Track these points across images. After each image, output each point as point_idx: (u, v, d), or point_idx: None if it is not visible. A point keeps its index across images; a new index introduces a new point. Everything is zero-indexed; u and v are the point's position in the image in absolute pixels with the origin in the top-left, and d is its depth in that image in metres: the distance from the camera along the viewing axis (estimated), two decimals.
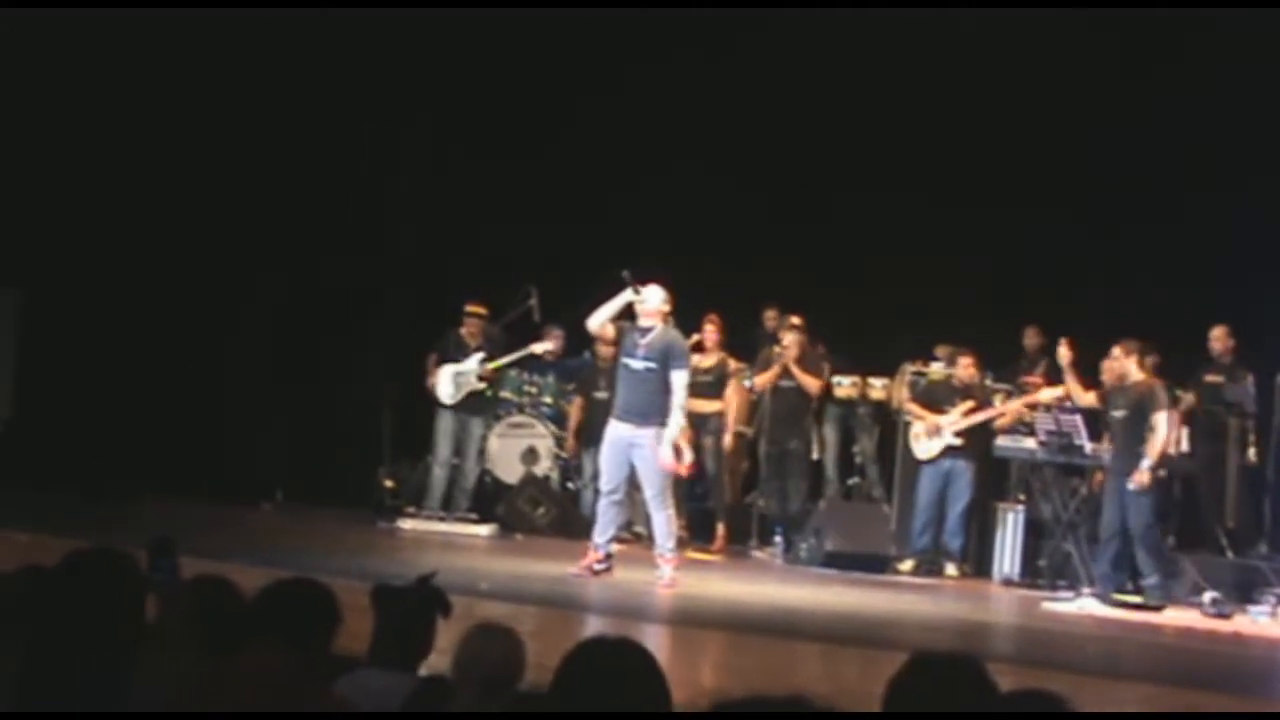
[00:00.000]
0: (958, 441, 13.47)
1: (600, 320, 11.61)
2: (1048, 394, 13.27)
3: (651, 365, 11.35)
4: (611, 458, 11.51)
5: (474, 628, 4.58)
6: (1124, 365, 12.37)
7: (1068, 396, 13.21)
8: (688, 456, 11.60)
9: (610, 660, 3.38)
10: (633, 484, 11.67)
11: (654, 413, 11.32)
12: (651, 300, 11.44)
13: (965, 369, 13.64)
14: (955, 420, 13.46)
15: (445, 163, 15.75)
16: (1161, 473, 12.61)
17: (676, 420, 11.37)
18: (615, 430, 11.51)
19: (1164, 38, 13.95)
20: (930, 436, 13.60)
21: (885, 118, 14.82)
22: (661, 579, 11.30)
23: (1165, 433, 12.20)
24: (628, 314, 11.57)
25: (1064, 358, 12.63)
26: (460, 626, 4.70)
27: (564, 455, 15.11)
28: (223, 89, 14.63)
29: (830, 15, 14.56)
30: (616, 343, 11.78)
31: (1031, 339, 14.41)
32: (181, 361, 14.73)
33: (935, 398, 13.72)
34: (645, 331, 11.44)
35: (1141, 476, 12.10)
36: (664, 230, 14.52)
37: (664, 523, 11.43)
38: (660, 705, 3.34)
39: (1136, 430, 12.24)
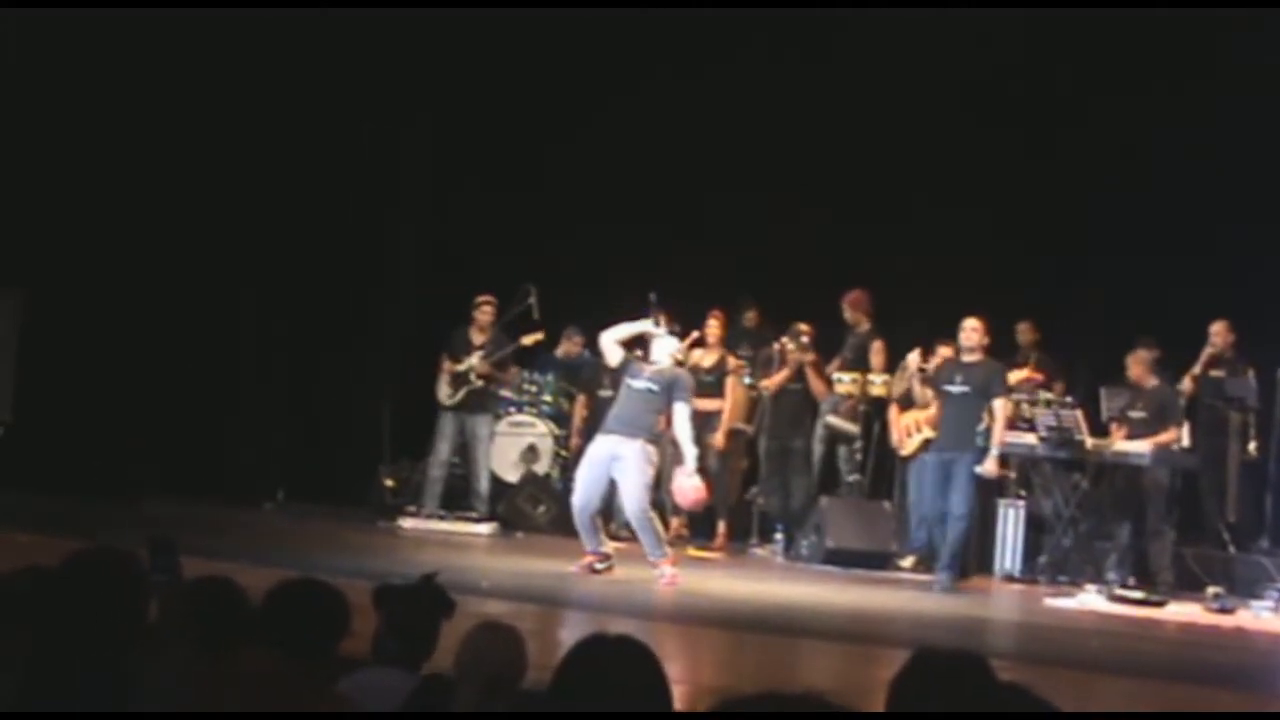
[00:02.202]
0: (933, 435, 13.44)
1: (613, 338, 11.68)
2: (1013, 376, 13.26)
3: (654, 388, 11.41)
4: (589, 472, 11.48)
5: (476, 626, 4.57)
6: (980, 340, 12.29)
7: (1032, 379, 13.26)
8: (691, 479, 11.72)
9: (611, 658, 3.37)
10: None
11: (643, 428, 11.36)
12: (666, 346, 11.56)
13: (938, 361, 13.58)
14: (930, 414, 13.44)
15: (446, 163, 15.74)
16: (1010, 474, 12.71)
17: (691, 451, 11.49)
18: (600, 445, 11.52)
19: (1164, 35, 13.94)
20: (909, 434, 13.60)
21: (888, 115, 14.82)
22: (662, 576, 11.29)
23: (1005, 417, 12.26)
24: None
25: (912, 363, 12.85)
26: (461, 625, 4.69)
27: (565, 453, 15.10)
28: (225, 91, 14.62)
29: (829, 16, 14.56)
30: (617, 369, 11.80)
31: (1024, 334, 14.41)
32: (183, 362, 14.72)
33: (915, 395, 13.70)
34: (653, 363, 11.52)
35: (990, 465, 12.11)
36: (666, 230, 14.52)
37: (650, 537, 11.38)
38: (661, 704, 3.33)
39: (973, 409, 12.23)
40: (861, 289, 14.25)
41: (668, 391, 11.39)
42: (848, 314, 14.36)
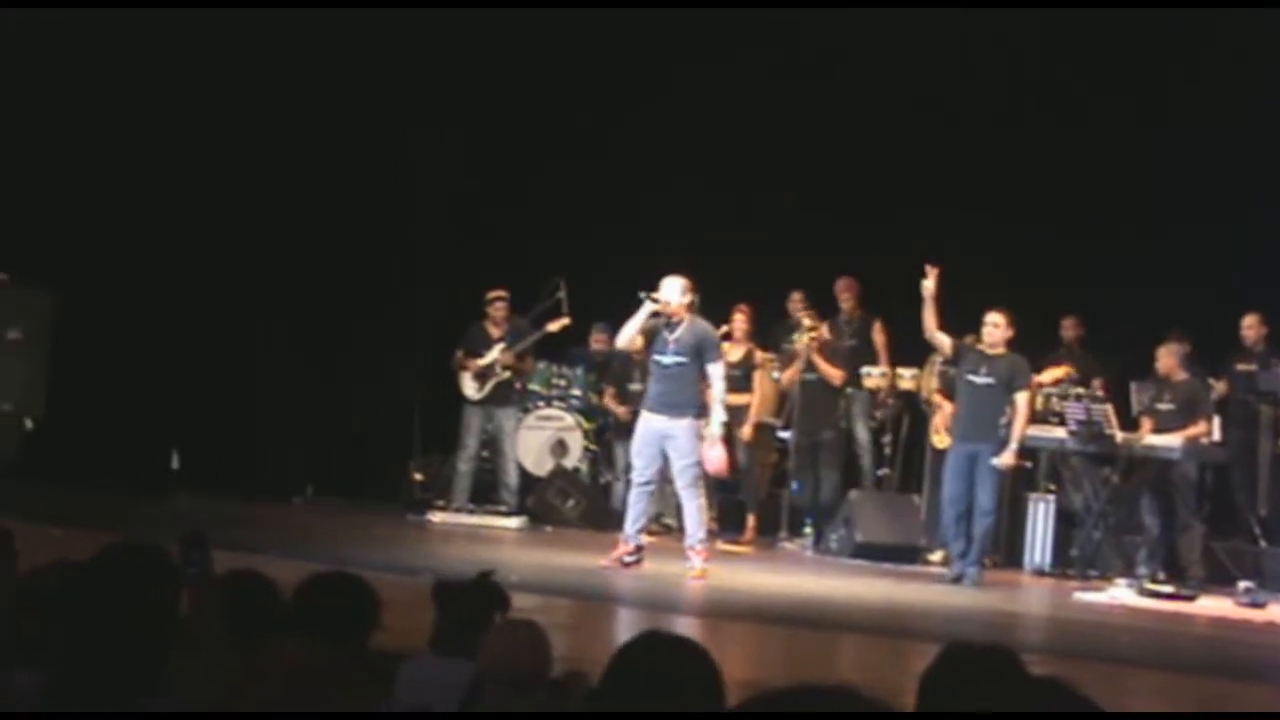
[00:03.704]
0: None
1: (629, 335, 11.81)
2: (1048, 375, 13.20)
3: (682, 360, 11.38)
4: (644, 449, 11.53)
5: (498, 625, 4.59)
6: (1004, 334, 12.17)
7: (1067, 378, 13.19)
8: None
9: (666, 658, 3.27)
10: (663, 476, 11.70)
11: (687, 404, 11.36)
12: (672, 295, 11.46)
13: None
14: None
15: (475, 159, 15.74)
16: (1028, 464, 12.59)
17: (719, 415, 11.46)
18: (648, 421, 11.53)
19: (1183, 34, 13.89)
20: (947, 427, 13.52)
21: (915, 109, 14.80)
22: (692, 570, 11.29)
23: (1028, 412, 12.19)
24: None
25: (927, 290, 12.04)
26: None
27: (594, 448, 15.10)
28: (253, 91, 14.66)
29: (833, 16, 14.54)
30: (648, 347, 11.83)
31: (1068, 330, 14.33)
32: (212, 358, 14.77)
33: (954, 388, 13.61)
34: (674, 327, 11.46)
35: (1008, 457, 12.05)
36: (695, 225, 14.50)
37: (695, 513, 11.44)
38: (715, 707, 3.23)
39: (999, 402, 12.16)
40: (852, 275, 14.32)
41: (698, 356, 11.39)
42: (845, 302, 14.38)
